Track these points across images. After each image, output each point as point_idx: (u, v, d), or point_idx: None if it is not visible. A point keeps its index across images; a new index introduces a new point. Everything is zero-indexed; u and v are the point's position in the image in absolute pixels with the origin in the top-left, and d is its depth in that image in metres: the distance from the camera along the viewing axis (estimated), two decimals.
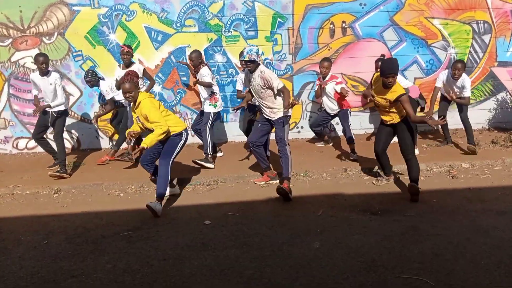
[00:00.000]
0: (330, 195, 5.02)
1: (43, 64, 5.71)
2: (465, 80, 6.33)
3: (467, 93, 6.37)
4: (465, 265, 3.30)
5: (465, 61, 6.40)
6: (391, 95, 4.71)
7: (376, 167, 5.73)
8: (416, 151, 6.67)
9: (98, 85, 6.42)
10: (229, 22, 7.47)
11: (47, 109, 5.85)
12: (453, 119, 7.77)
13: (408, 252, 3.53)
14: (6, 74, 7.24)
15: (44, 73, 5.78)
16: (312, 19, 7.59)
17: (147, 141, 4.50)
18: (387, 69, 4.61)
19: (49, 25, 7.19)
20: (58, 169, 5.88)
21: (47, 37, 7.22)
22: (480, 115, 7.99)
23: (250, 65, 4.92)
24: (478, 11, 7.82)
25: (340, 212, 4.47)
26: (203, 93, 6.28)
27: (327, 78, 6.39)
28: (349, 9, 7.61)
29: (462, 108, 6.53)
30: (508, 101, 8.10)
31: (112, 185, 5.53)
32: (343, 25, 7.67)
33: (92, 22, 7.23)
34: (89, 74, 6.34)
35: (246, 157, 6.49)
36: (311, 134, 7.90)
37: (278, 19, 7.54)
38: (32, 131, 6.36)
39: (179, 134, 4.83)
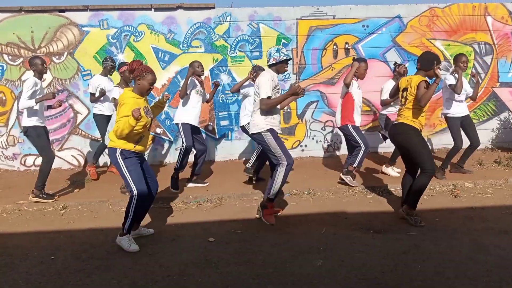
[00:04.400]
0: (333, 213, 5.06)
1: (44, 64, 5.47)
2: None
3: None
4: (466, 283, 3.31)
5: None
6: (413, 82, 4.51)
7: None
8: (390, 170, 6.48)
9: (110, 73, 6.59)
10: (234, 43, 7.65)
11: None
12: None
13: (410, 270, 3.55)
14: (16, 93, 7.41)
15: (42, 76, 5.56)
16: (316, 40, 7.76)
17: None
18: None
19: (59, 45, 7.40)
20: (38, 193, 5.64)
21: (57, 57, 7.41)
22: (483, 135, 8.04)
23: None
24: (479, 33, 7.96)
25: (343, 230, 4.50)
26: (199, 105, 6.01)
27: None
28: (352, 31, 7.78)
29: (473, 127, 6.24)
30: (511, 121, 8.16)
31: (118, 202, 5.59)
32: (346, 46, 7.82)
33: (101, 43, 7.44)
34: (108, 58, 6.59)
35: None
36: (315, 153, 7.99)
37: (283, 40, 7.71)
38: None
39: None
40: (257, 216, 4.91)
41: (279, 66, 4.65)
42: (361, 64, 5.82)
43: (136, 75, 4.11)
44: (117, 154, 4.11)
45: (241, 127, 6.33)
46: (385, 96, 6.24)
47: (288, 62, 4.70)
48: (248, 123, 5.88)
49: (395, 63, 6.56)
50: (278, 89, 4.70)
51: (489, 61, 8.06)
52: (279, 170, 4.56)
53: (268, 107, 4.56)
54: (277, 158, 4.59)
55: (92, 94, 6.53)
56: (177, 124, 5.91)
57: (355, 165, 5.89)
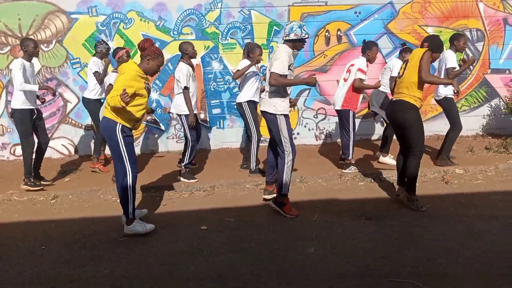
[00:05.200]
0: (325, 200, 5.08)
1: (37, 48, 5.38)
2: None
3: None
4: (457, 269, 3.35)
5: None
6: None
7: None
8: (388, 159, 6.37)
9: (107, 56, 6.25)
10: (226, 30, 7.56)
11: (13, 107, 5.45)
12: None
13: (402, 257, 3.58)
14: (4, 81, 7.29)
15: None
16: (308, 27, 7.60)
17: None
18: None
19: (47, 33, 7.26)
20: (27, 181, 5.57)
21: (45, 45, 7.28)
22: (474, 122, 8.10)
23: None
24: (471, 19, 7.95)
25: (335, 217, 4.52)
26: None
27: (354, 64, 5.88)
28: (344, 17, 7.73)
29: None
30: (502, 107, 8.20)
31: (109, 191, 5.55)
32: (338, 33, 7.78)
33: (90, 30, 7.31)
34: (102, 41, 6.32)
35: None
36: (307, 141, 7.99)
37: (274, 27, 7.64)
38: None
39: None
40: (265, 198, 5.00)
41: (298, 44, 4.45)
42: (373, 47, 5.78)
43: (146, 54, 4.02)
44: (117, 129, 4.00)
45: (237, 103, 5.96)
46: (395, 73, 6.12)
47: (305, 41, 4.53)
48: (248, 101, 5.83)
49: (404, 44, 6.53)
50: (293, 67, 4.52)
51: (480, 48, 8.07)
52: (285, 166, 4.48)
53: (278, 84, 4.36)
54: (283, 147, 4.50)
55: (97, 73, 6.13)
56: (179, 115, 5.71)
57: (350, 157, 5.95)
